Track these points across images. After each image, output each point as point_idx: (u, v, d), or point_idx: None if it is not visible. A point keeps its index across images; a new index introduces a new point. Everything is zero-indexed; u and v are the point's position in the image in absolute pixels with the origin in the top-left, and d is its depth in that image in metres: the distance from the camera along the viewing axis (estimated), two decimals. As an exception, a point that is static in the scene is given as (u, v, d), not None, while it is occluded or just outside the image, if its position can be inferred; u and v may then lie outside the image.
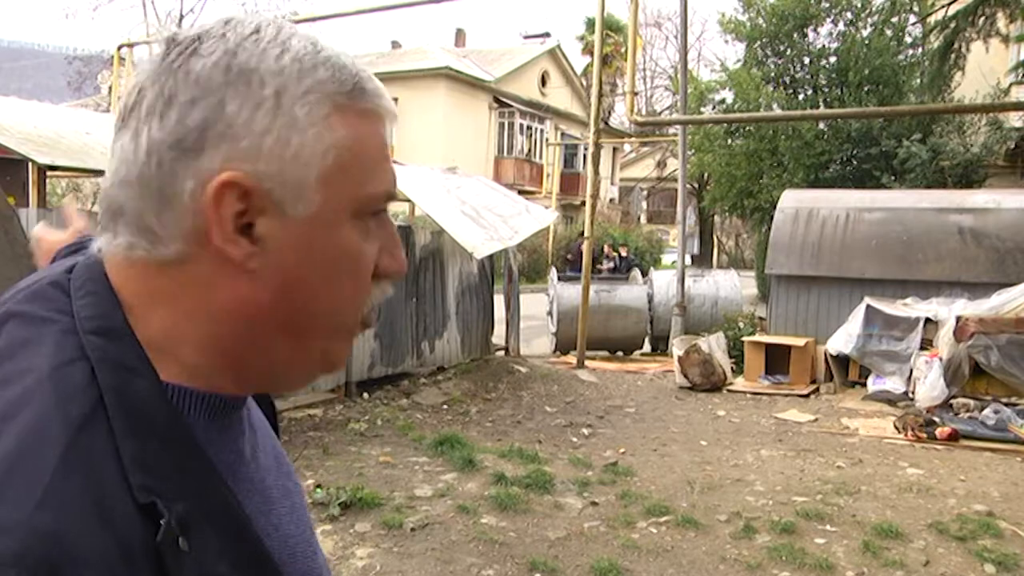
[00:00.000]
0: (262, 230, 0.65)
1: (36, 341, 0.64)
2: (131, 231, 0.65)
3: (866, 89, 18.15)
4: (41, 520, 0.54)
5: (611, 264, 15.89)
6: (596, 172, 11.44)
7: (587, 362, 10.80)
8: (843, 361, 9.32)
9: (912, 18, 18.59)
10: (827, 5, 19.08)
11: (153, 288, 0.66)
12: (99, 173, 9.28)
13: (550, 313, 12.69)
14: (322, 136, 0.65)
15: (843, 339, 9.08)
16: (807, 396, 9.00)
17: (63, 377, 0.61)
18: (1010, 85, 14.86)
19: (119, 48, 16.38)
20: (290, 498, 0.79)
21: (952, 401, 7.93)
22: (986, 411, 7.52)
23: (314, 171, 0.65)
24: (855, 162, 18.19)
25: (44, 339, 0.64)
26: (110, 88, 20.51)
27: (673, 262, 13.53)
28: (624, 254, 16.26)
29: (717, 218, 37.04)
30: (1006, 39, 11.71)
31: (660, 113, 38.89)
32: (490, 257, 9.38)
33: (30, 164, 5.93)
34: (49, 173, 6.12)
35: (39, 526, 0.54)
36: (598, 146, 11.32)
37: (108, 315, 0.65)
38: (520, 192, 16.92)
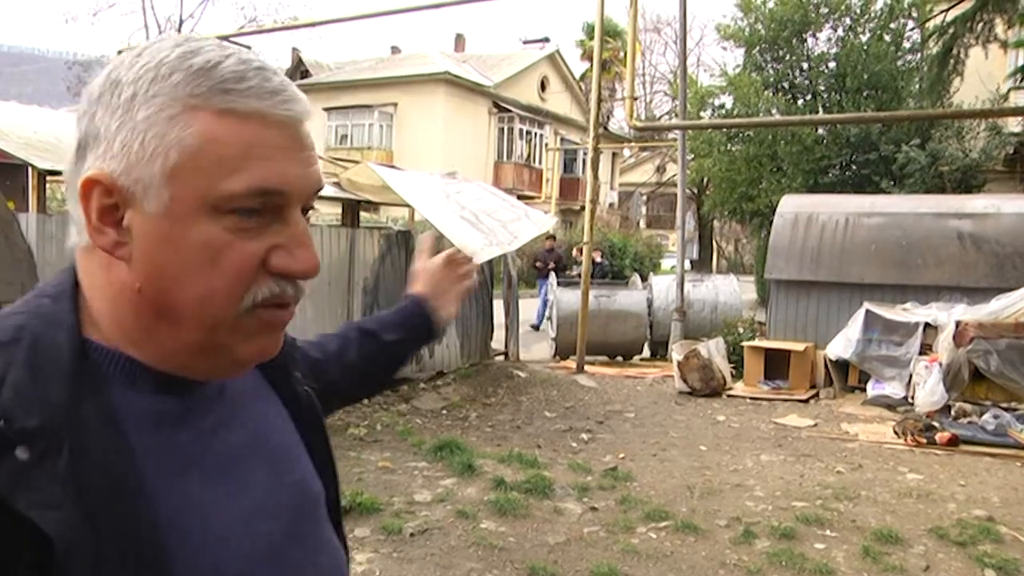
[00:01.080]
0: (128, 222, 0.74)
1: (12, 309, 0.78)
2: (74, 225, 0.78)
3: (865, 94, 18.16)
4: None
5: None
6: (595, 177, 11.45)
7: (587, 367, 10.79)
8: (843, 366, 9.31)
9: (911, 24, 18.63)
10: (826, 11, 19.11)
11: (85, 269, 0.79)
12: (99, 178, 9.31)
13: (549, 318, 12.69)
14: (165, 135, 0.72)
15: (842, 344, 9.08)
16: (807, 401, 9.00)
17: (6, 326, 0.74)
18: (1009, 90, 14.88)
19: (119, 53, 16.40)
20: (250, 486, 0.83)
21: (952, 406, 7.92)
22: (986, 416, 7.52)
23: (158, 168, 0.72)
24: (854, 167, 18.20)
25: (19, 306, 0.78)
26: (110, 93, 20.53)
27: (672, 267, 13.52)
28: (598, 259, 15.99)
29: (716, 223, 37.04)
30: (1005, 45, 11.73)
31: (659, 118, 38.91)
32: (489, 262, 9.38)
33: (30, 169, 5.92)
34: (49, 178, 6.11)
35: None
36: (597, 151, 11.33)
37: (61, 284, 0.79)
38: (519, 197, 16.92)
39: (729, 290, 12.57)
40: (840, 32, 19.36)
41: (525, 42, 36.31)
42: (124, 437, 0.73)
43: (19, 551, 0.65)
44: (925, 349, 8.52)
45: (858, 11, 19.00)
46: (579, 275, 14.71)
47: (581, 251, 17.01)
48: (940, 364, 8.03)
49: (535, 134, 31.56)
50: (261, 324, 0.77)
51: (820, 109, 19.29)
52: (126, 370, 0.77)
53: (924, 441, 7.15)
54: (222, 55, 0.74)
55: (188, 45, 0.75)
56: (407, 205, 9.25)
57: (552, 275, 14.06)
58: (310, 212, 0.82)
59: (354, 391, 1.37)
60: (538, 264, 16.80)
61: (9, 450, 0.66)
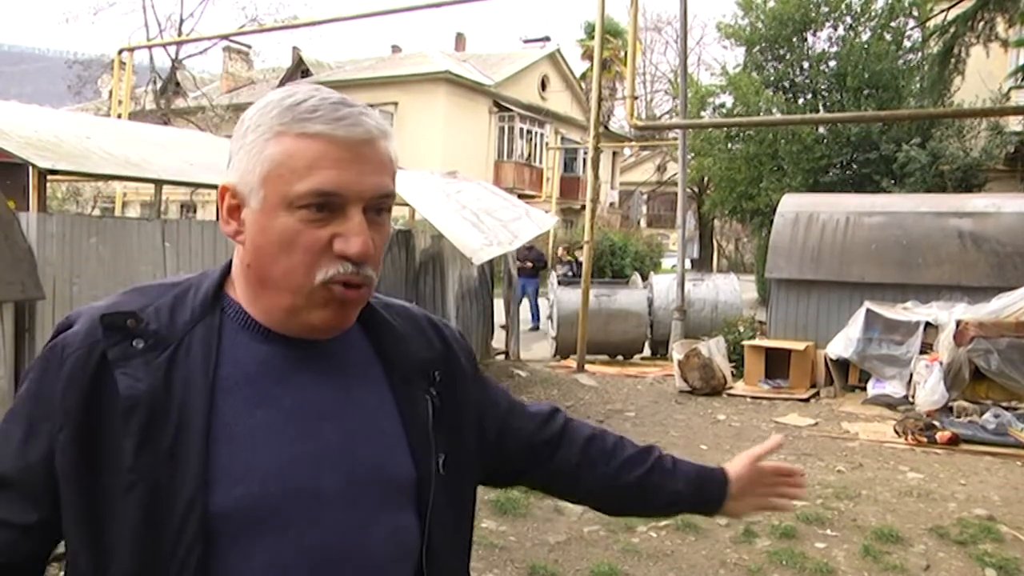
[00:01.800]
0: (244, 215, 1.03)
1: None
2: None
3: (865, 93, 18.15)
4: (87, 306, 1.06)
5: (566, 269, 15.48)
6: (596, 176, 11.45)
7: (587, 366, 10.79)
8: (843, 365, 9.31)
9: (911, 23, 18.62)
10: (826, 10, 19.10)
11: (237, 248, 1.08)
12: (99, 177, 9.28)
13: (550, 317, 12.69)
14: (261, 152, 1.00)
15: (843, 343, 9.08)
16: (807, 400, 9.00)
17: (179, 276, 1.11)
18: (1010, 89, 14.87)
19: (119, 52, 16.40)
20: (314, 438, 1.03)
21: (952, 405, 7.92)
22: (986, 415, 7.52)
23: (257, 176, 1.00)
24: (855, 166, 18.20)
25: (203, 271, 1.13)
26: (110, 92, 20.53)
27: (673, 266, 13.51)
28: (581, 259, 15.88)
29: (717, 222, 37.04)
30: (1005, 44, 11.71)
31: (660, 117, 38.89)
32: (490, 261, 9.38)
33: (30, 168, 5.90)
34: (49, 177, 6.10)
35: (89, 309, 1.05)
36: (598, 150, 11.33)
37: (227, 260, 1.11)
38: (520, 196, 16.91)
39: (729, 289, 12.57)
40: (841, 31, 19.36)
41: (525, 41, 36.28)
42: (219, 359, 1.01)
43: (110, 399, 0.97)
44: (926, 348, 8.52)
45: (859, 10, 18.99)
46: (563, 275, 14.68)
47: (568, 251, 16.95)
48: (941, 363, 8.02)
49: (536, 133, 31.53)
50: (331, 297, 1.01)
51: (820, 108, 19.29)
52: (242, 319, 1.06)
53: (925, 440, 7.15)
54: (309, 95, 1.01)
55: (290, 90, 1.03)
56: (407, 204, 9.24)
57: (553, 274, 14.04)
58: (384, 212, 1.05)
59: (590, 496, 1.47)
60: (517, 263, 16.70)
61: (129, 340, 0.99)
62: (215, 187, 1.30)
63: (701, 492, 1.45)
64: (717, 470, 1.48)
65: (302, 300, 1.01)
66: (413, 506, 1.10)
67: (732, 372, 9.84)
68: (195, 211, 25.41)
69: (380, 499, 1.06)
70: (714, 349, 9.55)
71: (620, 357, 12.30)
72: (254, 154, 1.00)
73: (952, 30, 11.12)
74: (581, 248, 16.19)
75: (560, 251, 17.45)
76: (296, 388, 1.04)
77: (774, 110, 19.12)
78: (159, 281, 1.09)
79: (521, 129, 30.64)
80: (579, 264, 15.18)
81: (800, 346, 9.45)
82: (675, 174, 19.86)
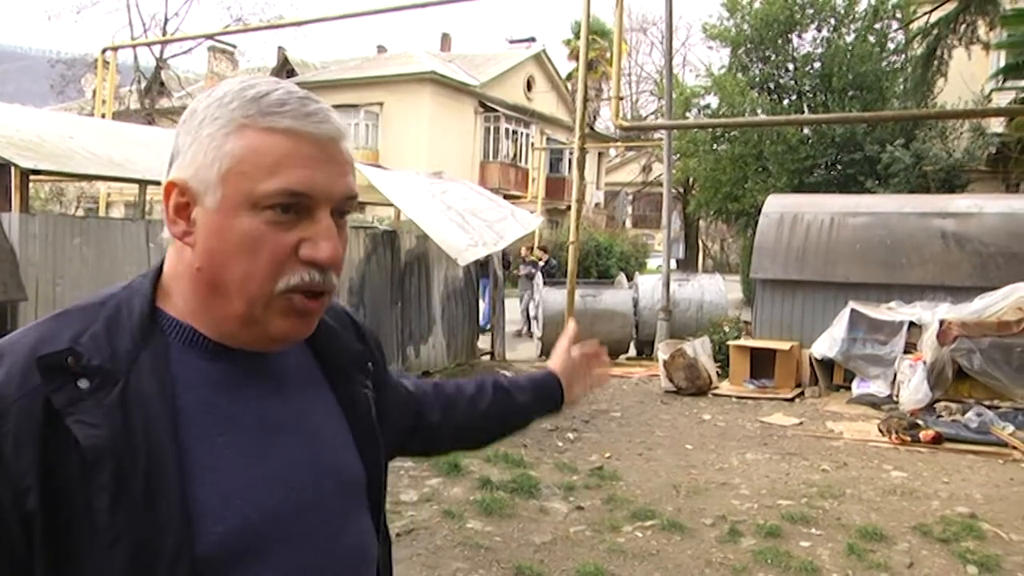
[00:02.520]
0: (194, 215, 0.94)
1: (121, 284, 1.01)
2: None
3: (850, 95, 18.26)
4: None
5: (529, 269, 15.36)
6: (581, 177, 11.45)
7: (573, 366, 10.77)
8: (828, 365, 9.36)
9: (895, 25, 18.75)
10: (811, 11, 19.20)
11: (169, 256, 1.00)
12: (83, 177, 9.22)
13: (535, 317, 12.69)
14: (221, 147, 0.92)
15: (828, 343, 9.12)
16: (792, 400, 9.04)
17: (100, 291, 0.99)
18: (991, 91, 14.98)
19: (103, 51, 16.28)
20: (279, 454, 0.98)
21: (936, 404, 7.97)
22: (969, 414, 7.58)
23: (215, 172, 0.92)
24: (839, 167, 18.29)
25: (123, 282, 1.01)
26: (94, 92, 20.41)
27: (658, 266, 13.54)
28: (545, 259, 15.74)
29: (702, 223, 37.12)
30: (987, 46, 11.82)
31: (645, 118, 38.97)
32: (476, 262, 9.38)
33: (13, 168, 5.86)
34: (32, 177, 6.06)
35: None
36: (583, 151, 11.32)
37: (152, 267, 1.01)
38: (506, 196, 16.89)
39: (715, 289, 12.60)
40: (825, 32, 19.47)
41: (511, 42, 36.29)
42: (171, 386, 0.92)
43: (67, 453, 0.86)
44: (909, 348, 8.57)
45: (843, 12, 19.10)
46: (527, 276, 14.61)
47: (531, 250, 16.83)
48: (924, 363, 8.08)
49: (521, 134, 31.54)
50: (291, 307, 0.94)
51: (805, 109, 19.39)
52: (186, 336, 0.97)
53: (908, 439, 7.19)
54: (272, 88, 0.94)
55: (249, 82, 0.95)
56: (393, 205, 9.23)
57: (539, 275, 14.04)
58: (347, 215, 0.99)
59: (466, 439, 1.52)
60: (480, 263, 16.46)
61: (73, 380, 0.88)
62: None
63: (543, 396, 1.53)
64: (545, 372, 1.57)
65: (259, 309, 0.94)
66: (366, 506, 1.09)
67: (717, 372, 9.87)
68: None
69: (345, 505, 1.04)
70: (699, 349, 9.58)
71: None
72: (212, 148, 0.92)
73: (935, 32, 11.22)
74: (544, 248, 16.14)
75: (523, 250, 17.28)
76: (253, 405, 0.98)
77: (759, 111, 19.20)
78: (80, 303, 0.97)
79: (507, 129, 30.65)
80: (545, 264, 15.12)
81: (785, 346, 9.49)
82: (660, 175, 19.93)
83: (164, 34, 25.55)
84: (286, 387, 1.03)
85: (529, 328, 14.84)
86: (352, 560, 1.05)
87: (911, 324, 8.64)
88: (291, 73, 31.89)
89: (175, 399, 0.92)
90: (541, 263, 15.10)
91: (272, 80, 0.96)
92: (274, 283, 0.93)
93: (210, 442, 0.93)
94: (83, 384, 0.88)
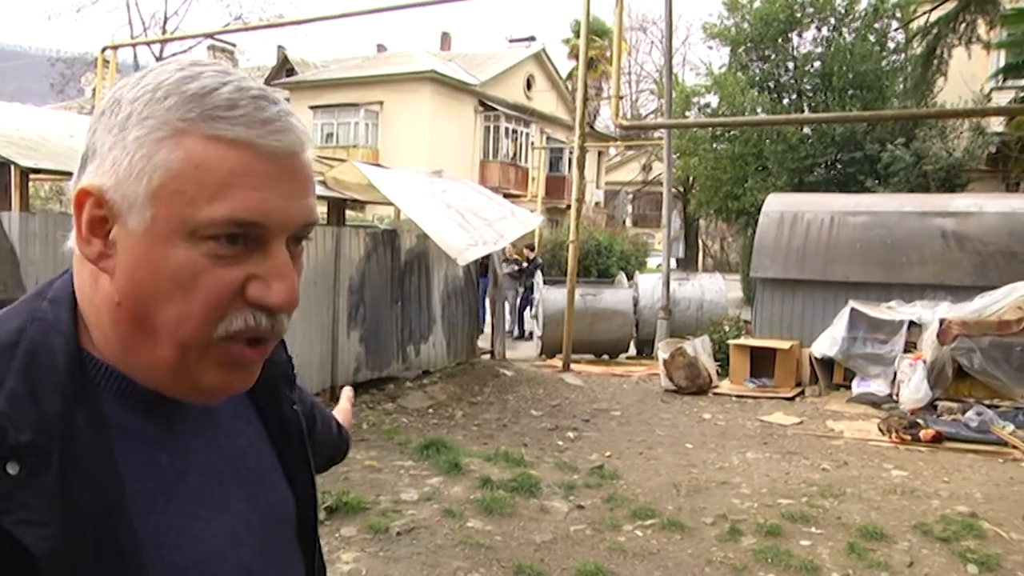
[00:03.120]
0: (114, 235, 0.75)
1: (13, 309, 0.79)
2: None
3: (850, 94, 18.27)
4: None
5: (513, 267, 15.27)
6: (581, 176, 11.47)
7: (573, 366, 10.80)
8: (828, 364, 9.36)
9: (895, 24, 18.75)
10: (811, 10, 19.20)
11: (79, 275, 0.80)
12: (82, 176, 9.23)
13: (535, 317, 12.68)
14: (152, 156, 0.72)
15: (828, 342, 9.13)
16: (792, 399, 9.04)
17: (5, 331, 0.75)
18: (991, 91, 14.99)
19: (103, 50, 16.29)
20: (227, 509, 0.85)
21: (936, 403, 7.98)
22: (969, 413, 7.58)
23: (143, 187, 0.73)
24: (839, 166, 18.30)
25: (19, 306, 0.79)
26: (94, 90, 20.41)
27: (658, 265, 13.54)
28: (531, 256, 15.59)
29: (702, 222, 37.15)
30: (987, 45, 11.82)
31: (645, 117, 38.97)
32: (476, 261, 9.38)
33: (12, 167, 5.87)
34: (32, 176, 6.07)
35: None
36: (583, 150, 11.34)
37: (60, 289, 0.80)
38: (505, 196, 16.88)
39: (715, 288, 12.61)
40: (825, 32, 19.48)
41: (511, 41, 36.29)
42: (112, 453, 0.75)
43: (5, 563, 0.66)
44: (909, 347, 8.58)
45: (843, 11, 19.10)
46: (510, 274, 14.53)
47: (523, 250, 16.76)
48: (924, 362, 8.08)
49: (521, 133, 31.53)
50: (230, 358, 0.78)
51: (805, 108, 19.39)
52: (117, 385, 0.79)
53: (908, 438, 7.20)
54: (220, 81, 0.75)
55: (190, 70, 0.76)
56: (393, 204, 9.23)
57: (539, 273, 14.02)
58: (304, 242, 0.82)
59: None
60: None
61: (0, 466, 0.67)
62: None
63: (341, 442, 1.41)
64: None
65: (192, 358, 0.76)
66: (295, 540, 0.97)
67: (717, 371, 9.87)
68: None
69: (286, 547, 0.95)
70: (699, 348, 9.58)
71: (606, 356, 12.31)
72: (140, 157, 0.73)
73: (935, 31, 11.22)
74: (531, 247, 16.07)
75: (508, 250, 17.18)
76: (190, 458, 0.84)
77: (759, 110, 19.20)
78: None
79: (507, 129, 30.63)
80: (530, 263, 15.01)
81: (785, 345, 9.49)
82: (660, 174, 19.93)
83: (164, 33, 25.56)
84: (220, 426, 0.89)
85: (520, 327, 14.80)
86: None
87: (911, 323, 8.64)
88: (291, 72, 31.90)
89: (116, 465, 0.75)
90: (525, 263, 15.00)
91: (218, 69, 0.77)
92: (212, 328, 0.75)
93: (158, 511, 0.78)
94: (12, 469, 0.68)
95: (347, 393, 1.62)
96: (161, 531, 0.77)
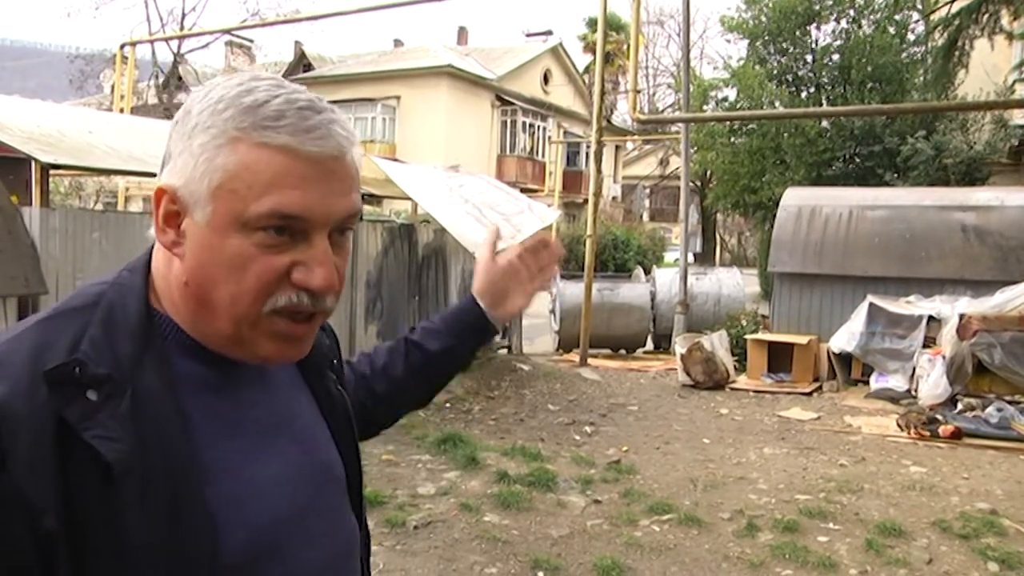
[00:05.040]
0: (185, 226, 0.89)
1: (100, 278, 0.96)
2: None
3: (869, 87, 18.11)
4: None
5: None
6: (599, 170, 11.44)
7: (590, 360, 10.79)
8: (846, 359, 9.31)
9: (915, 15, 18.55)
10: (830, 2, 19.04)
11: (157, 255, 0.95)
12: (101, 172, 9.28)
13: (552, 311, 12.69)
14: (213, 159, 0.86)
15: (846, 337, 9.07)
16: (810, 394, 9.00)
17: (85, 288, 0.93)
18: (1014, 82, 14.81)
19: (121, 47, 16.39)
20: (281, 456, 0.97)
21: (955, 399, 7.91)
22: (989, 409, 7.51)
23: (205, 186, 0.86)
24: (858, 160, 18.15)
25: (106, 276, 0.95)
26: (112, 87, 20.51)
27: (676, 260, 13.51)
28: None
29: (720, 216, 37.02)
30: (1010, 36, 11.66)
31: (663, 111, 38.86)
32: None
33: (33, 163, 5.92)
34: (52, 172, 6.12)
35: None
36: (600, 144, 11.31)
37: (139, 262, 0.96)
38: (523, 190, 16.89)
39: (732, 283, 12.57)
40: (844, 24, 19.30)
41: (528, 35, 36.28)
42: (177, 389, 0.89)
43: (87, 470, 0.81)
44: (929, 342, 8.52)
45: (862, 3, 18.93)
46: None
47: None
48: (944, 357, 8.02)
49: (538, 127, 31.50)
50: (277, 331, 0.90)
51: (824, 101, 19.24)
52: (181, 339, 0.93)
53: (927, 434, 7.15)
54: (272, 95, 0.87)
55: (248, 85, 0.88)
56: (410, 198, 9.24)
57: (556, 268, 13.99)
58: (348, 232, 0.94)
59: (409, 401, 1.45)
60: None
61: (82, 392, 0.82)
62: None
63: (467, 332, 1.40)
64: (464, 303, 1.41)
65: (246, 330, 0.90)
66: (348, 501, 1.09)
67: (735, 366, 9.84)
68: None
69: (336, 502, 1.06)
70: (717, 343, 9.55)
71: (623, 351, 12.30)
72: (203, 161, 0.86)
73: (956, 23, 11.08)
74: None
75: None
76: (248, 408, 0.97)
77: (777, 103, 19.07)
78: (68, 304, 0.91)
79: (524, 123, 30.62)
80: None
81: (803, 340, 9.44)
82: (678, 168, 19.84)
83: (181, 29, 25.64)
84: (275, 389, 1.02)
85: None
86: (347, 554, 1.06)
87: (930, 318, 8.58)
88: (308, 67, 31.97)
89: (181, 403, 0.89)
90: None
91: (273, 83, 0.89)
92: (261, 304, 0.88)
93: (219, 447, 0.91)
94: (92, 395, 0.82)
95: (491, 232, 1.47)
96: (222, 461, 0.90)
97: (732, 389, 9.28)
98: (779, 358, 9.55)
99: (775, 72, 19.83)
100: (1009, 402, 7.67)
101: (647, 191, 44.62)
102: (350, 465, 1.09)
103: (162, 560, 0.83)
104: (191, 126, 0.88)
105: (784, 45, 19.68)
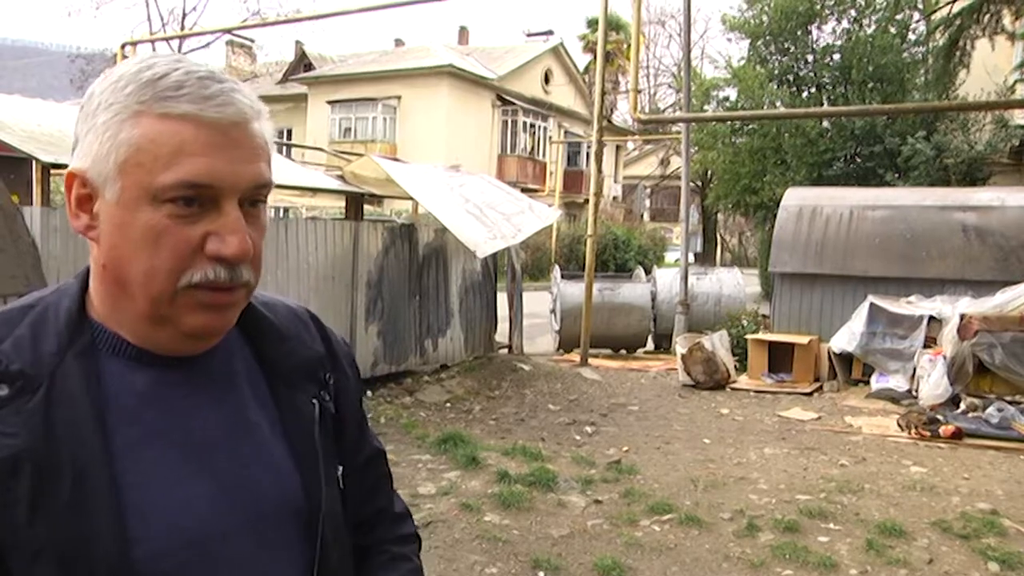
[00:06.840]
0: (97, 208, 0.89)
1: (52, 286, 0.97)
2: None
3: (870, 87, 18.09)
4: None
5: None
6: (599, 170, 11.43)
7: (590, 360, 10.79)
8: (846, 359, 9.30)
9: (916, 15, 18.53)
10: (831, 2, 19.03)
11: (91, 254, 0.93)
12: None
13: (553, 311, 12.69)
14: (116, 135, 0.86)
15: (846, 337, 9.07)
16: (810, 394, 8.99)
17: (41, 291, 0.95)
18: (1015, 82, 14.80)
19: (122, 46, 16.39)
20: (212, 471, 0.92)
21: (956, 399, 7.91)
22: (990, 409, 7.51)
23: (112, 163, 0.86)
24: (859, 160, 18.14)
25: (55, 284, 0.97)
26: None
27: (676, 260, 13.51)
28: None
29: (720, 216, 37.02)
30: (1012, 36, 11.66)
31: (663, 111, 38.86)
32: (493, 255, 9.37)
33: (34, 162, 5.92)
34: (53, 171, 6.11)
35: None
36: (601, 144, 11.31)
37: (85, 268, 0.95)
38: (523, 190, 16.90)
39: (733, 283, 12.57)
40: (845, 24, 19.29)
41: (529, 35, 36.26)
42: (98, 391, 0.88)
43: None
44: (929, 342, 8.51)
45: (863, 3, 18.91)
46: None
47: None
48: (944, 357, 8.01)
49: (539, 127, 31.49)
50: (199, 302, 0.88)
51: (825, 101, 19.23)
52: (110, 343, 0.92)
53: (928, 434, 7.14)
54: (171, 68, 0.87)
55: (147, 62, 0.88)
56: (411, 198, 9.24)
57: (557, 268, 14.02)
58: (261, 204, 0.92)
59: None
60: None
61: None
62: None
63: None
64: None
65: (165, 307, 0.88)
66: (304, 537, 0.98)
67: (736, 366, 9.83)
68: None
69: (278, 534, 0.95)
70: (717, 343, 9.55)
71: (623, 351, 12.30)
72: (108, 138, 0.86)
73: (957, 23, 11.07)
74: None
75: None
76: (183, 418, 0.92)
77: (778, 103, 19.06)
78: (8, 306, 0.93)
79: (524, 123, 30.61)
80: None
81: (803, 340, 9.44)
82: (678, 168, 19.83)
83: (182, 28, 25.68)
84: (224, 397, 0.96)
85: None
86: None
87: (931, 318, 8.58)
88: (309, 67, 31.98)
89: (100, 404, 0.87)
90: None
91: (173, 58, 0.89)
92: (176, 279, 0.87)
93: (136, 456, 0.88)
94: (2, 391, 0.84)
95: None
96: (131, 471, 0.87)
97: (733, 389, 9.28)
98: (780, 358, 9.55)
99: (776, 72, 19.82)
100: (1010, 402, 7.66)
101: (648, 191, 44.61)
102: (312, 495, 0.98)
103: (51, 560, 0.82)
104: (94, 106, 0.88)
105: (785, 45, 19.67)
